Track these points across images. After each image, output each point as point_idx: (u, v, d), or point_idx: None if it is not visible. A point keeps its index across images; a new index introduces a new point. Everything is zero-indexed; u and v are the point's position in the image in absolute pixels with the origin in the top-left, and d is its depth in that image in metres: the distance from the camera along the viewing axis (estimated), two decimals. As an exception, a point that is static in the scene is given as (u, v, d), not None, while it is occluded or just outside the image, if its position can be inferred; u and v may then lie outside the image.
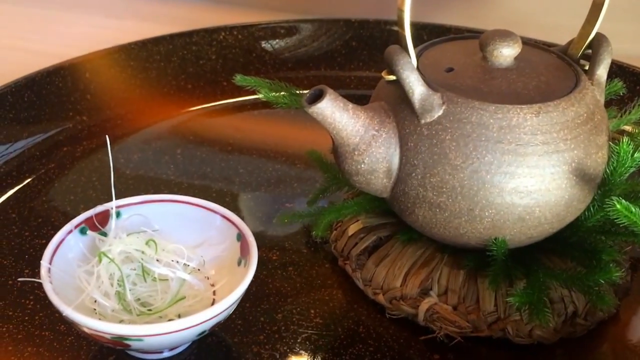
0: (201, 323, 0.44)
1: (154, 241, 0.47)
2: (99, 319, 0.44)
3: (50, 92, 0.70)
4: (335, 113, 0.45)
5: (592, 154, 0.46)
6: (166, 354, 0.48)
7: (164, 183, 0.65)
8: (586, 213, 0.49)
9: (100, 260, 0.46)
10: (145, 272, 0.47)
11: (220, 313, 0.44)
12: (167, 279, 0.47)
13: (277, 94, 0.59)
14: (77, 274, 0.46)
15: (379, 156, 0.46)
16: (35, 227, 0.59)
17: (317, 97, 0.45)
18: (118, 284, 0.46)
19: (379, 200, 0.54)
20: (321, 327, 0.52)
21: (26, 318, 0.51)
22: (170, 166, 0.67)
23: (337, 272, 0.56)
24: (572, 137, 0.45)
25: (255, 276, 0.48)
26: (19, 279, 0.53)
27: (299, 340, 0.51)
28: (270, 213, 0.62)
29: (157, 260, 0.47)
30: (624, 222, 0.44)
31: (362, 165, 0.46)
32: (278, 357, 0.49)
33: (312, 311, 0.53)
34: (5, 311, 0.52)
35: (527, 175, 0.44)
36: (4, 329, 0.50)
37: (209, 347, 0.50)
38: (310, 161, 0.60)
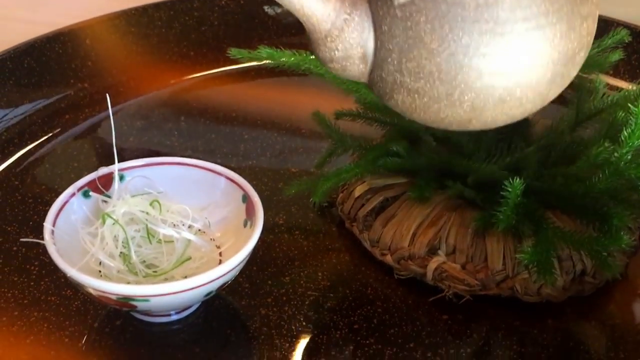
0: (208, 283, 0.43)
1: (158, 202, 0.47)
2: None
3: (51, 59, 0.69)
4: None
5: (576, 27, 0.43)
6: (173, 317, 0.48)
7: (168, 149, 0.64)
8: (600, 176, 0.48)
9: (104, 222, 0.46)
10: (149, 234, 0.47)
11: (227, 273, 0.44)
12: (172, 241, 0.47)
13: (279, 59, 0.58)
14: (81, 235, 0.45)
15: (352, 42, 0.43)
16: (38, 193, 0.59)
17: None
18: (123, 245, 0.45)
19: (381, 162, 0.54)
20: (328, 289, 0.52)
21: (31, 284, 0.51)
22: (174, 133, 0.67)
23: (344, 235, 0.56)
24: (554, 10, 0.42)
25: (261, 240, 0.47)
26: (22, 239, 0.52)
27: (306, 303, 0.50)
28: (276, 178, 0.61)
29: (162, 221, 0.46)
30: None
31: (336, 52, 0.43)
32: (286, 319, 0.49)
33: (320, 274, 0.53)
34: (10, 277, 0.51)
35: (506, 55, 0.41)
36: (9, 295, 0.50)
37: (216, 310, 0.50)
38: (315, 125, 0.60)
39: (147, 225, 0.46)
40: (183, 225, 0.47)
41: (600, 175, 0.48)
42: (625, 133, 0.46)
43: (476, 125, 0.44)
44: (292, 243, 0.55)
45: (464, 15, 0.41)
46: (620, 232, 0.47)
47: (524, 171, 0.51)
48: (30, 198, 0.58)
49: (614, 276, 0.50)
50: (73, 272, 0.42)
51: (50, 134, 0.65)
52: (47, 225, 0.45)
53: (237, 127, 0.68)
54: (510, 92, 0.42)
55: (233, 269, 0.44)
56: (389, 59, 0.43)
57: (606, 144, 0.48)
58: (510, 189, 0.45)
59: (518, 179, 0.45)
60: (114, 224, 0.46)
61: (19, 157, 0.62)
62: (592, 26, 0.45)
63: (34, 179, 0.60)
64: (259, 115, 0.69)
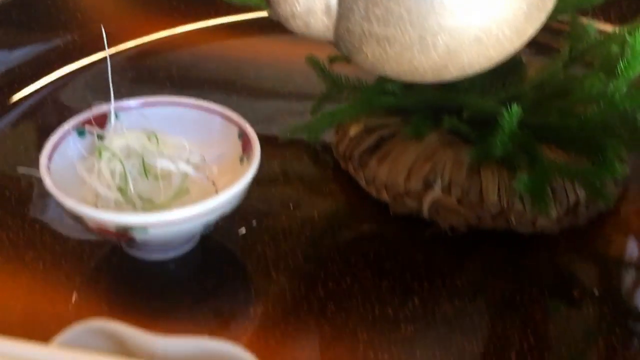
0: (206, 213, 0.43)
1: (155, 136, 0.47)
2: (102, 212, 0.44)
3: (39, 11, 0.69)
4: None
5: None
6: (171, 254, 0.48)
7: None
8: (595, 109, 0.48)
9: (100, 156, 0.45)
10: (146, 170, 0.46)
11: (225, 203, 0.44)
12: (169, 176, 0.47)
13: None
14: (77, 169, 0.45)
15: None
16: (31, 142, 0.59)
17: None
18: (120, 179, 0.45)
19: (376, 102, 0.54)
20: (325, 227, 0.52)
21: (26, 226, 0.50)
22: (166, 83, 0.66)
23: (340, 176, 0.56)
24: None
25: (257, 182, 0.47)
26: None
27: (302, 240, 0.51)
28: (271, 125, 0.61)
29: (159, 155, 0.46)
30: None
31: (297, 8, 0.42)
32: (282, 255, 0.49)
33: (315, 213, 0.53)
34: (4, 220, 0.51)
35: None
36: (4, 236, 0.50)
37: (213, 248, 0.50)
38: (309, 75, 0.59)
39: (143, 160, 0.46)
40: (180, 159, 0.47)
41: (595, 109, 0.48)
42: (622, 65, 0.46)
43: (453, 71, 0.43)
44: (287, 185, 0.55)
45: None
46: (614, 162, 0.47)
47: (519, 106, 0.51)
48: (21, 145, 0.58)
49: (608, 206, 0.51)
50: (71, 203, 0.42)
51: (40, 85, 0.65)
52: (43, 160, 0.45)
53: (230, 77, 0.67)
54: (486, 30, 0.41)
55: (231, 199, 0.44)
56: (355, 8, 0.41)
57: (600, 75, 0.48)
58: (507, 117, 0.45)
59: (515, 106, 0.45)
60: (110, 158, 0.45)
61: (8, 107, 0.62)
62: None
63: (26, 128, 0.60)
64: (251, 65, 0.69)
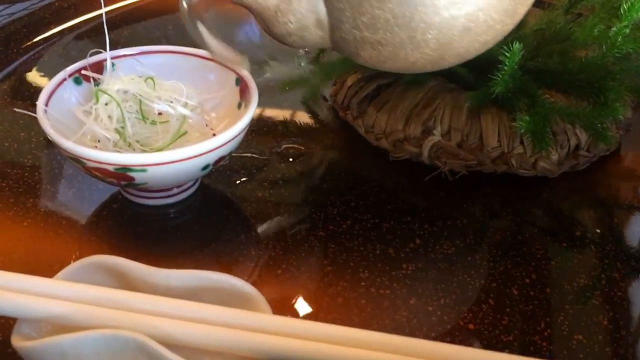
0: (204, 153, 0.43)
1: (152, 79, 0.47)
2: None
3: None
4: None
5: None
6: (171, 200, 0.48)
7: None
8: (596, 50, 0.48)
9: (97, 100, 0.45)
10: (144, 116, 0.46)
11: (224, 144, 0.44)
12: (166, 121, 0.47)
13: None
14: (75, 112, 0.45)
15: (303, 10, 0.43)
16: (27, 96, 0.58)
17: None
18: (118, 123, 0.45)
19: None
20: (324, 173, 0.52)
21: (25, 174, 0.50)
22: (162, 40, 0.66)
23: (338, 125, 0.56)
24: None
25: (255, 131, 0.47)
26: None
27: (302, 186, 0.51)
28: (268, 79, 0.61)
29: (157, 98, 0.46)
30: None
31: (290, 25, 0.43)
32: (282, 199, 0.49)
33: (314, 160, 0.53)
34: (4, 169, 0.51)
35: None
36: (4, 184, 0.49)
37: (213, 193, 0.50)
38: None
39: (141, 104, 0.46)
40: (178, 102, 0.47)
41: (597, 50, 0.48)
42: (625, 6, 0.46)
43: (451, 60, 0.44)
44: (285, 135, 0.55)
45: None
46: (615, 103, 0.47)
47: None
48: (19, 100, 0.58)
49: (609, 148, 0.51)
50: (69, 145, 0.42)
51: (35, 42, 0.64)
52: (40, 104, 0.45)
53: (227, 34, 0.67)
54: (473, 18, 0.41)
55: (230, 140, 0.44)
56: (343, 18, 0.42)
57: (602, 15, 0.48)
58: (508, 55, 0.45)
59: (518, 44, 0.45)
60: (107, 103, 0.45)
61: (4, 63, 0.61)
62: None
63: (22, 84, 0.60)
64: (247, 23, 0.69)
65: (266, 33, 0.45)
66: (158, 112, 0.47)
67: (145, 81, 0.46)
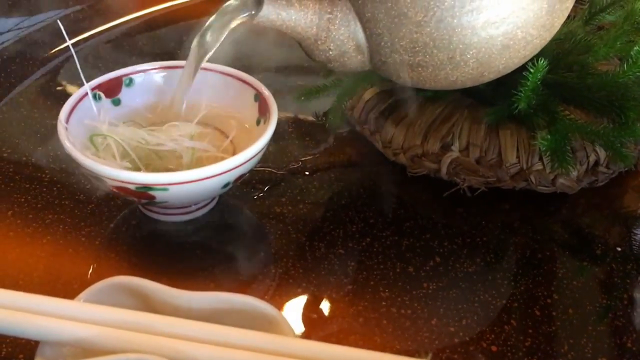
0: (225, 172, 0.43)
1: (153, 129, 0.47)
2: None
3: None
4: (282, 13, 0.43)
5: None
6: (190, 217, 0.48)
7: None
8: (617, 68, 0.48)
9: (95, 146, 0.45)
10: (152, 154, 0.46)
11: (244, 163, 0.44)
12: (178, 155, 0.47)
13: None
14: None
15: (342, 37, 0.44)
16: (44, 109, 0.58)
17: (257, 4, 0.44)
18: (125, 157, 0.45)
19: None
20: (342, 189, 0.52)
21: (44, 189, 0.50)
22: (177, 52, 0.66)
23: (355, 139, 0.56)
24: None
25: (274, 146, 0.47)
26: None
27: (320, 202, 0.50)
28: (282, 91, 0.60)
29: (161, 142, 0.46)
30: None
31: (331, 52, 0.44)
32: (301, 215, 0.49)
33: (332, 175, 0.53)
34: (22, 184, 0.51)
35: (495, 3, 0.41)
36: (23, 199, 0.50)
37: (231, 210, 0.50)
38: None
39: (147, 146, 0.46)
40: (185, 132, 0.47)
41: (617, 69, 0.48)
42: None
43: (491, 76, 0.45)
44: (302, 148, 0.55)
45: None
46: (636, 124, 0.47)
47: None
48: (35, 113, 0.58)
49: (628, 166, 0.51)
50: (90, 163, 0.42)
51: (51, 54, 0.64)
52: (61, 121, 0.45)
53: (240, 47, 0.67)
54: (512, 37, 0.42)
55: (250, 159, 0.44)
56: (382, 43, 0.43)
57: (625, 27, 0.48)
58: (532, 70, 0.45)
59: (543, 60, 0.44)
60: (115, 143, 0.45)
61: (21, 76, 0.61)
62: None
63: (39, 96, 0.60)
64: (261, 34, 0.68)
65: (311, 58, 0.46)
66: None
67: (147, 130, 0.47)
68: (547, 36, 0.44)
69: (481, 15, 0.41)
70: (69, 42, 0.49)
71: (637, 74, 0.47)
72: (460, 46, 0.42)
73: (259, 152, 0.45)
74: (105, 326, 0.35)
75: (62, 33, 0.66)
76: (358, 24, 0.43)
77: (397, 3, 0.41)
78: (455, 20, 0.41)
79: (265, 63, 0.65)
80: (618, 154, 0.48)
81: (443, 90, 0.48)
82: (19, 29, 0.64)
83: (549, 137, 0.46)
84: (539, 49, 0.45)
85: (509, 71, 0.45)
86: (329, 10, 0.43)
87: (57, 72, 0.62)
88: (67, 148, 0.43)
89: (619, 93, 0.48)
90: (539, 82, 0.45)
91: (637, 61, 0.47)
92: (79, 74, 0.61)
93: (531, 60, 0.45)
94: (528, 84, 0.45)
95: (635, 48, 0.46)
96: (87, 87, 0.48)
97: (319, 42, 0.44)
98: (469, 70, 0.43)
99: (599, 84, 0.49)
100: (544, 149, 0.46)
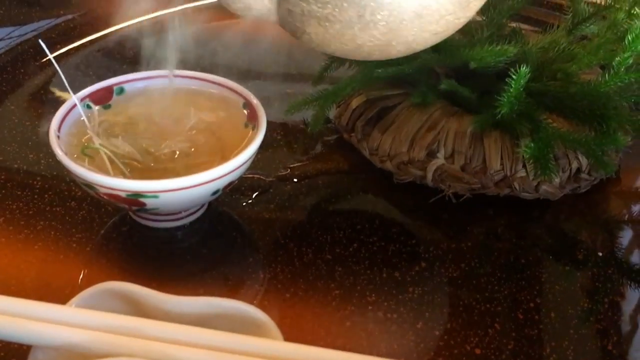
0: (215, 179, 0.44)
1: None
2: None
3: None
4: None
5: None
6: (179, 222, 0.48)
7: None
8: (599, 77, 0.49)
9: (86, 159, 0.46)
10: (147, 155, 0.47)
11: (234, 170, 0.44)
12: (172, 156, 0.48)
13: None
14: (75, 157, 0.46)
15: None
16: (35, 116, 0.59)
17: None
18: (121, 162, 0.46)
19: (379, 71, 0.54)
20: (329, 195, 0.53)
21: (35, 196, 0.51)
22: (168, 61, 0.66)
23: (342, 146, 0.56)
24: None
25: (262, 153, 0.47)
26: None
27: (308, 208, 0.51)
28: (272, 99, 0.62)
29: (155, 159, 0.47)
30: None
31: None
32: (289, 221, 0.50)
33: (320, 181, 0.53)
34: (14, 191, 0.51)
35: None
36: (14, 207, 0.50)
37: (221, 216, 0.50)
38: (309, 50, 0.60)
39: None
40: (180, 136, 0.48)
41: (600, 78, 0.49)
42: (629, 37, 0.47)
43: (399, 48, 0.43)
44: (290, 155, 0.56)
45: None
46: (617, 132, 0.48)
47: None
48: (27, 121, 0.58)
49: (610, 174, 0.52)
50: (81, 171, 0.43)
51: (42, 63, 0.65)
52: (53, 129, 0.45)
53: (231, 55, 0.68)
54: (426, 5, 0.41)
55: (240, 166, 0.45)
56: None
57: (608, 36, 0.49)
58: (515, 77, 0.46)
59: (525, 67, 0.45)
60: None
61: (13, 84, 0.62)
62: None
63: (30, 104, 0.60)
64: (251, 43, 0.70)
65: None
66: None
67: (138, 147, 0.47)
68: (462, 16, 0.43)
69: None
70: (51, 56, 0.49)
71: (619, 83, 0.48)
72: (372, 4, 0.40)
73: (247, 160, 0.45)
74: (97, 331, 0.36)
75: (53, 41, 0.67)
76: None
77: None
78: None
79: (254, 70, 0.66)
80: (599, 161, 0.49)
81: (354, 58, 0.45)
82: (9, 38, 0.64)
83: (532, 144, 0.47)
84: (452, 29, 0.43)
85: (419, 48, 0.44)
86: None
87: (49, 80, 0.63)
88: (59, 156, 0.44)
89: (601, 102, 0.49)
90: (521, 89, 0.46)
91: (619, 71, 0.48)
92: (70, 83, 0.63)
93: (514, 67, 0.46)
94: (511, 90, 0.46)
95: (617, 58, 0.47)
96: (76, 97, 0.48)
97: None
98: (377, 35, 0.41)
99: (581, 93, 0.50)
100: (527, 156, 0.47)
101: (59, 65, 0.48)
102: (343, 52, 0.44)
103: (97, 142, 0.46)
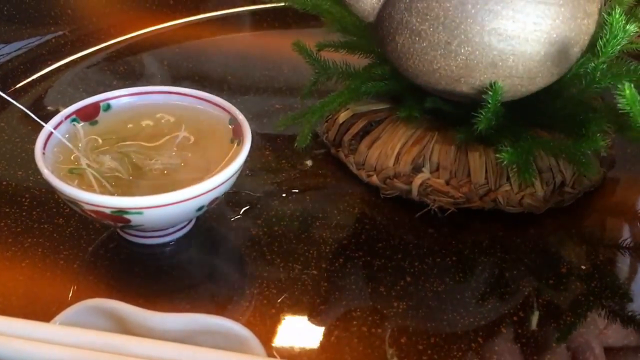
0: (200, 195, 0.44)
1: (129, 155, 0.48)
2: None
3: (30, 7, 0.69)
4: None
5: (578, 18, 0.46)
6: (166, 239, 0.49)
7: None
8: (578, 85, 0.50)
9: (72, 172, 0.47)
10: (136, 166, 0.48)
11: (218, 186, 0.45)
12: (157, 173, 0.48)
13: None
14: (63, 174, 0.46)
15: None
16: (25, 134, 0.59)
17: None
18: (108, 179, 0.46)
19: (365, 88, 0.55)
20: (316, 210, 0.53)
21: (24, 214, 0.51)
22: (157, 77, 0.67)
23: (330, 161, 0.57)
24: None
25: (249, 169, 0.48)
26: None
27: (295, 223, 0.52)
28: (261, 114, 0.62)
29: (141, 174, 0.47)
30: (624, 109, 0.43)
31: None
32: (276, 237, 0.50)
33: (307, 197, 0.54)
34: (2, 208, 0.52)
35: (510, 18, 0.44)
36: (2, 224, 0.50)
37: (207, 232, 0.51)
38: (298, 65, 0.60)
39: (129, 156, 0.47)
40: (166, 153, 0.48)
41: (578, 85, 0.49)
42: (600, 42, 0.47)
43: (463, 88, 0.47)
44: (278, 171, 0.56)
45: None
46: (596, 135, 0.48)
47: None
48: (17, 138, 0.59)
49: (593, 184, 0.52)
50: (66, 188, 0.43)
51: (31, 80, 0.65)
52: (38, 147, 0.46)
53: (219, 71, 0.68)
54: (504, 58, 0.45)
55: (224, 182, 0.45)
56: None
57: (588, 55, 0.49)
58: (491, 92, 0.46)
59: (499, 83, 0.46)
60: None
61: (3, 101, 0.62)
62: (591, 26, 0.47)
63: (20, 121, 0.61)
64: (240, 58, 0.70)
65: None
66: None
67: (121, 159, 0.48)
68: (526, 84, 0.47)
69: (495, 21, 0.44)
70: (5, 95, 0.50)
71: (596, 90, 0.49)
72: (462, 36, 0.45)
73: (231, 176, 0.46)
74: (81, 348, 0.36)
75: (44, 57, 0.68)
76: None
77: None
78: (473, 10, 0.44)
79: (244, 86, 0.67)
80: (581, 165, 0.49)
81: (420, 82, 0.49)
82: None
83: (510, 150, 0.47)
84: (511, 93, 0.47)
85: (477, 94, 0.47)
86: None
87: (39, 97, 0.64)
88: (44, 174, 0.44)
89: (581, 110, 0.50)
90: (498, 104, 0.46)
91: (595, 78, 0.48)
92: (60, 99, 0.64)
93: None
94: (489, 106, 0.46)
95: (591, 64, 0.48)
96: (62, 114, 0.49)
97: None
98: (453, 66, 0.46)
99: (561, 104, 0.51)
100: (505, 162, 0.47)
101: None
102: (415, 71, 0.48)
103: (84, 162, 0.47)
